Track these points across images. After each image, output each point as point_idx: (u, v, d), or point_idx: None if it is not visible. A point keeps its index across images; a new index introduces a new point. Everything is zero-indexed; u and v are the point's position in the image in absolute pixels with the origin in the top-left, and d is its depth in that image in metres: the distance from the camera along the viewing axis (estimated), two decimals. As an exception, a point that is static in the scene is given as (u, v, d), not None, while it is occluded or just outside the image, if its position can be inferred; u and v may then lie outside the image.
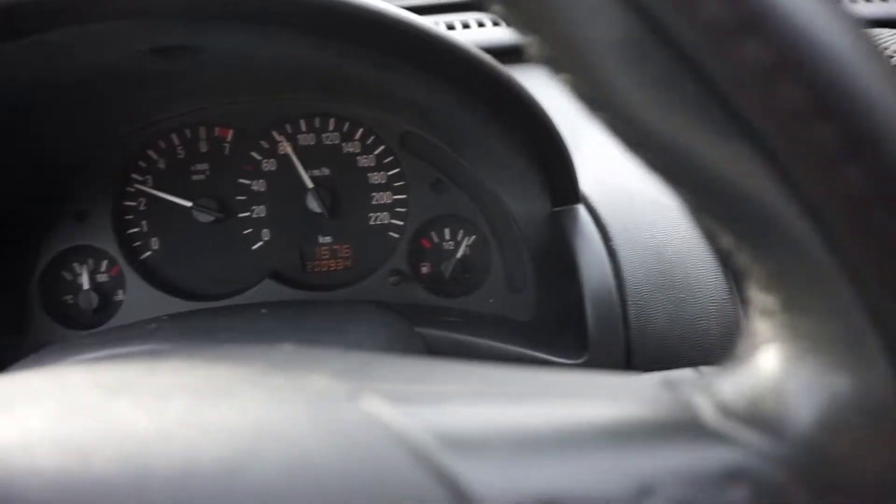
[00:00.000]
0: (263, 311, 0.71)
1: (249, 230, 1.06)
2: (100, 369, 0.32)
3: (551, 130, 0.76)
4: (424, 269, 1.08)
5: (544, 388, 0.33)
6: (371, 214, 1.07)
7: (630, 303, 0.81)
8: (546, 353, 0.87)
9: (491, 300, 1.04)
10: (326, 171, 1.06)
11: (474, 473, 0.25)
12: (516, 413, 0.29)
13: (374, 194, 1.07)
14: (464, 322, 0.96)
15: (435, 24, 0.72)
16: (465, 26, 1.16)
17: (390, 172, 1.07)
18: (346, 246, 1.08)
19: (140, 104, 0.98)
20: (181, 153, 1.05)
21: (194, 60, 0.75)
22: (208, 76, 0.91)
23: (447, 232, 1.08)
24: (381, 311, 0.78)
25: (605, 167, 0.95)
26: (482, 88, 0.73)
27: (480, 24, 1.16)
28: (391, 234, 1.08)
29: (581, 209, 0.90)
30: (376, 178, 1.07)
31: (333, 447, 0.25)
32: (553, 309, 0.98)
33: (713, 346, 0.78)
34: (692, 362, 0.80)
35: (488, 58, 0.70)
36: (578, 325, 0.85)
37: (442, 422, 0.27)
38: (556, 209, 0.90)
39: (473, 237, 1.07)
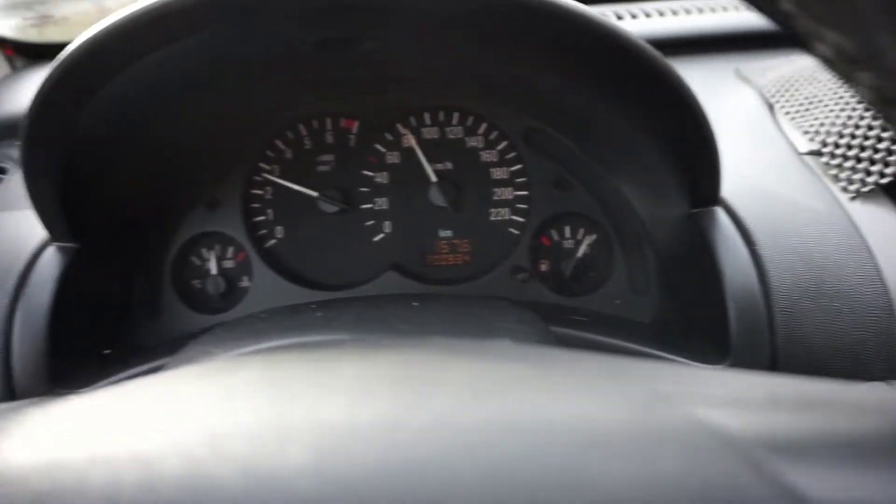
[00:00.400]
0: (415, 303, 0.71)
1: (371, 222, 1.07)
2: (375, 362, 0.31)
3: (707, 130, 0.74)
4: (543, 267, 1.07)
5: (829, 397, 0.31)
6: (492, 210, 1.07)
7: (777, 309, 0.79)
8: (682, 356, 0.85)
9: (617, 301, 1.02)
10: (449, 165, 1.06)
11: (810, 481, 0.24)
12: (830, 422, 0.28)
13: (495, 190, 1.07)
14: (591, 322, 0.95)
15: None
16: (619, 17, 1.15)
17: (512, 168, 1.06)
18: (466, 241, 1.08)
19: (274, 95, 0.99)
20: (308, 144, 1.07)
21: (351, 53, 0.75)
22: (346, 69, 0.92)
23: (567, 230, 1.07)
24: (519, 309, 0.78)
25: (742, 170, 0.92)
26: (641, 81, 0.72)
27: (633, 16, 1.15)
28: (511, 230, 1.07)
29: (720, 211, 0.87)
30: (498, 173, 1.07)
31: (669, 451, 0.24)
32: (677, 312, 0.96)
33: (871, 358, 0.75)
34: (845, 373, 0.77)
35: (653, 50, 0.68)
36: (717, 330, 0.83)
37: (768, 429, 0.26)
38: (694, 211, 0.87)
39: (594, 236, 1.06)
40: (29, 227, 0.94)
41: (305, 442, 0.23)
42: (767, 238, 0.83)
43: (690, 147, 0.79)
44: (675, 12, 1.29)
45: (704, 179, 0.84)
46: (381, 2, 0.58)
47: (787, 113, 1.02)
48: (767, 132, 1.01)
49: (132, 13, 0.63)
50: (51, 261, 0.87)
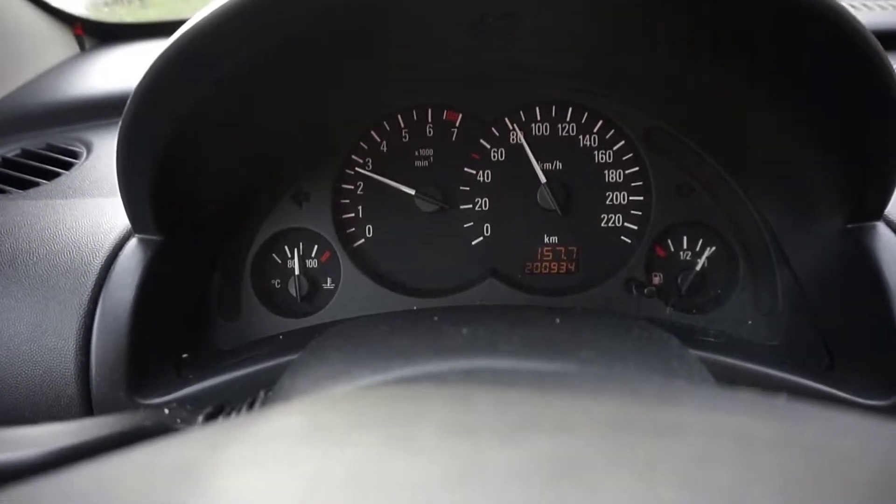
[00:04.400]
0: (557, 320, 0.62)
1: (470, 224, 0.98)
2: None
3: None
4: (656, 280, 0.97)
5: None
6: (603, 216, 0.98)
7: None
8: (836, 388, 0.75)
9: (749, 322, 0.92)
10: (559, 165, 0.97)
11: None
12: None
13: (608, 194, 0.97)
14: (723, 344, 0.85)
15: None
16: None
17: (628, 171, 0.97)
18: (573, 248, 0.98)
19: (377, 83, 0.91)
20: (406, 136, 0.98)
21: (508, 31, 0.66)
22: (464, 57, 0.84)
23: (685, 240, 0.97)
24: (656, 329, 0.67)
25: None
26: (837, 67, 0.62)
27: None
28: (624, 238, 0.97)
29: (882, 227, 0.77)
30: (613, 176, 0.97)
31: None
32: (812, 335, 0.86)
33: None
34: None
35: (867, 29, 0.59)
36: (881, 360, 0.73)
37: None
38: (851, 226, 0.77)
39: (714, 248, 0.96)
40: (106, 217, 0.86)
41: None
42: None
43: (871, 151, 0.69)
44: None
45: (875, 189, 0.74)
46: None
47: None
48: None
49: None
50: (134, 254, 0.79)
